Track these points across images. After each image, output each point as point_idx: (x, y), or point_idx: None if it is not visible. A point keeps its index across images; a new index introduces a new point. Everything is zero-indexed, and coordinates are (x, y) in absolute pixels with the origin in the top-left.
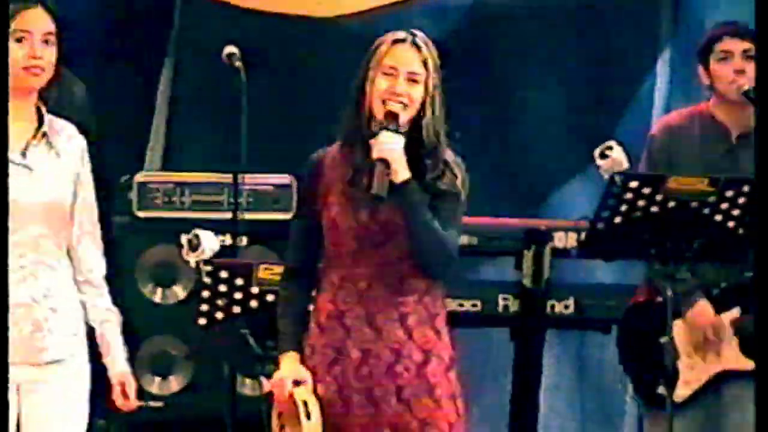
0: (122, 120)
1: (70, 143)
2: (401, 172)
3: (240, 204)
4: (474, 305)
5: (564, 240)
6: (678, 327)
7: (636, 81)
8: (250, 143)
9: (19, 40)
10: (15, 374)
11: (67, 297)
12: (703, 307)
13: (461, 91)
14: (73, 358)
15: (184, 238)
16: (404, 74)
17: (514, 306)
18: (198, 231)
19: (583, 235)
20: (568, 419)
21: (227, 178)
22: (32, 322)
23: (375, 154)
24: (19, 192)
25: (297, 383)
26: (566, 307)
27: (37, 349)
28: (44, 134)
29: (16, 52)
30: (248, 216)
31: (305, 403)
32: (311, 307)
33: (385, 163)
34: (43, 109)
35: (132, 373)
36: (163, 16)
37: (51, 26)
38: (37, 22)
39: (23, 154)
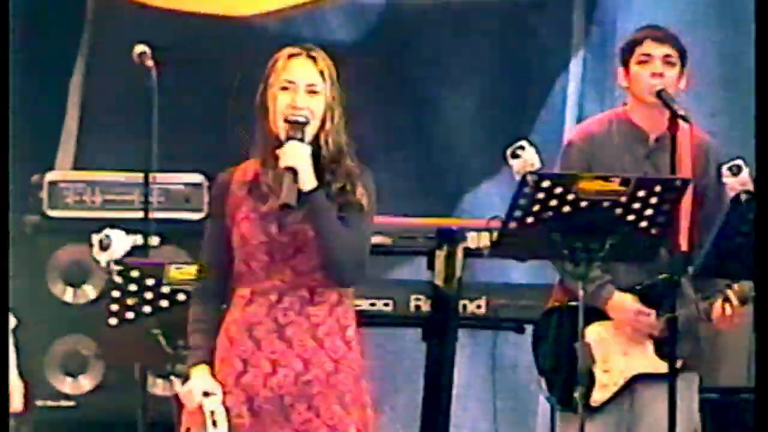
0: (34, 119)
1: None
2: (309, 181)
3: (151, 203)
4: (386, 305)
5: (476, 240)
6: (593, 330)
7: (550, 81)
8: (162, 142)
9: None
10: None
11: None
12: (621, 297)
13: (376, 92)
14: None
15: (95, 238)
16: (303, 87)
17: (426, 306)
18: (109, 230)
19: (495, 235)
20: (481, 419)
21: (138, 177)
22: None
23: (282, 163)
24: None
25: (206, 394)
26: (478, 306)
27: None
28: None
29: None
30: (159, 215)
31: (212, 413)
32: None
33: (293, 171)
34: None
35: (43, 372)
36: (75, 14)
37: None
38: None
39: None
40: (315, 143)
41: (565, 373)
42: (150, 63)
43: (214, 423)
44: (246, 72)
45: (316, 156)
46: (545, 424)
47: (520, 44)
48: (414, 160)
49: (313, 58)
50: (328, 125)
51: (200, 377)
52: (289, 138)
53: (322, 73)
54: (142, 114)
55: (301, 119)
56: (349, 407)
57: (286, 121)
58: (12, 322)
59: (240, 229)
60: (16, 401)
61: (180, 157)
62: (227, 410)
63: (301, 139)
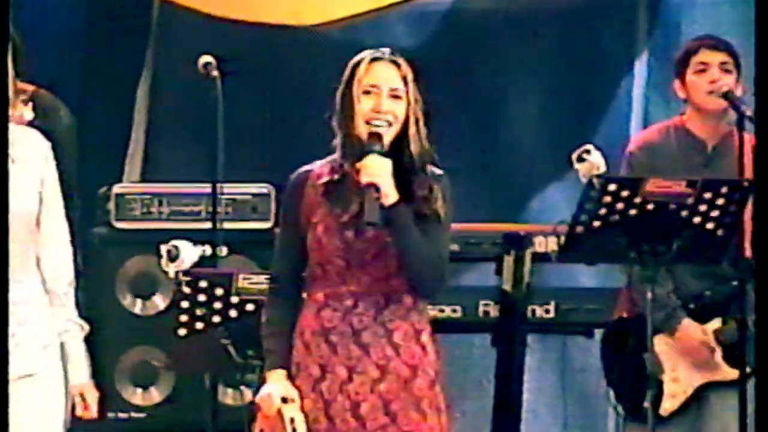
0: (101, 131)
1: (29, 148)
2: (391, 195)
3: (219, 214)
4: (454, 311)
5: (544, 244)
6: (660, 340)
7: (613, 84)
8: (228, 153)
9: None
10: None
11: (35, 309)
12: (689, 326)
13: (440, 98)
14: (45, 371)
15: (163, 249)
16: (386, 91)
17: (494, 311)
18: (177, 241)
19: (562, 239)
20: (551, 424)
21: (206, 188)
22: None
23: (364, 179)
24: None
25: (284, 400)
26: (547, 311)
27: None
28: None
29: None
30: (227, 226)
31: (292, 420)
32: (297, 325)
33: (375, 187)
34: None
35: (113, 384)
36: (141, 26)
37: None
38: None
39: None
40: (397, 149)
41: (634, 383)
42: (215, 73)
43: (294, 431)
44: (309, 80)
45: (397, 163)
46: (615, 428)
47: (584, 47)
48: (479, 166)
49: (396, 63)
50: (411, 131)
51: (278, 382)
52: (368, 150)
53: (405, 78)
54: (208, 125)
55: (381, 128)
56: (425, 413)
57: (369, 124)
58: (85, 328)
59: (316, 233)
60: (93, 409)
61: (246, 167)
62: (304, 416)
63: (380, 151)
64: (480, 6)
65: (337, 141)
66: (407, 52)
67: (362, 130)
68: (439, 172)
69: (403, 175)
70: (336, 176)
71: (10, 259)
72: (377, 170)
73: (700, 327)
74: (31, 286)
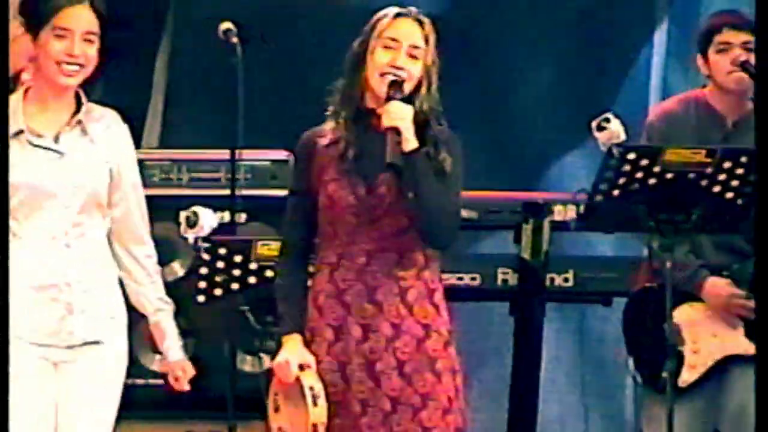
0: (119, 98)
1: (108, 130)
2: (411, 141)
3: (238, 180)
4: (473, 279)
5: (563, 213)
6: (682, 311)
7: (633, 52)
8: (247, 119)
9: (59, 36)
10: (50, 355)
11: (101, 280)
12: (715, 282)
13: (457, 66)
14: (111, 340)
15: (182, 216)
16: (406, 48)
17: (513, 280)
18: (196, 208)
19: (581, 208)
20: (568, 392)
21: (225, 154)
22: (64, 305)
23: (386, 123)
24: (50, 177)
25: (302, 367)
26: (566, 280)
27: (68, 331)
28: (79, 121)
29: (54, 47)
30: (246, 192)
31: (312, 388)
32: (310, 290)
33: (396, 131)
34: (83, 97)
35: (131, 350)
36: None
37: (94, 25)
38: (80, 20)
39: (56, 140)
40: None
41: (654, 353)
42: (235, 40)
43: (315, 400)
44: (326, 46)
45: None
46: (633, 396)
47: (603, 15)
48: (497, 134)
49: (420, 22)
50: (423, 90)
51: (294, 348)
52: (389, 97)
53: (426, 38)
54: (228, 91)
55: (402, 78)
56: (440, 374)
57: (386, 79)
58: (172, 306)
59: (327, 191)
60: (185, 384)
61: (265, 133)
62: (322, 381)
63: (401, 99)
64: None
65: (338, 97)
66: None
67: (376, 82)
68: (445, 129)
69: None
70: (343, 132)
71: (73, 229)
72: (400, 115)
73: (726, 281)
74: (97, 258)
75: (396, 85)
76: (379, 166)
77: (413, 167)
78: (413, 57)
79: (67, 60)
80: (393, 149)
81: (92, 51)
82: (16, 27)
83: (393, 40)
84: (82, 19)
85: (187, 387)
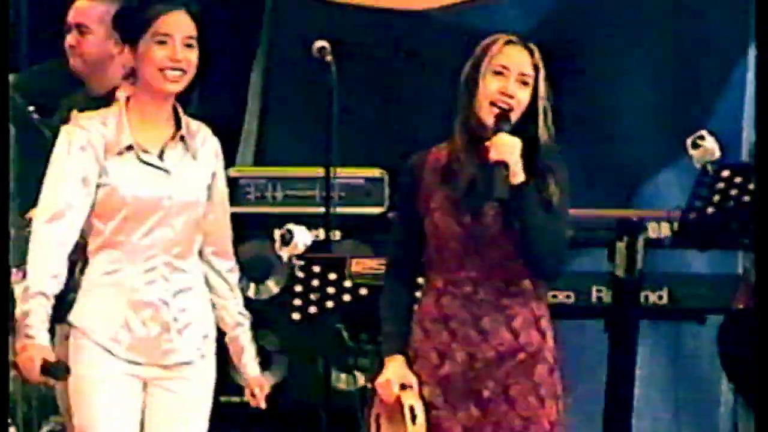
0: (214, 116)
1: (204, 145)
2: (519, 175)
3: (332, 198)
4: (567, 297)
5: (657, 230)
6: None
7: (728, 69)
8: (342, 137)
9: (160, 43)
10: (141, 372)
11: (197, 299)
12: None
13: (551, 83)
14: (202, 359)
15: (277, 233)
16: (515, 75)
17: (607, 297)
18: (291, 226)
19: (676, 225)
20: (662, 409)
21: (319, 172)
22: (160, 324)
23: (494, 156)
24: (156, 193)
25: (403, 387)
26: (660, 297)
27: (164, 350)
28: (182, 137)
29: (156, 53)
30: (340, 210)
31: (411, 408)
32: (415, 309)
33: (504, 165)
34: (180, 111)
35: (226, 368)
36: (255, 10)
37: (193, 30)
38: (179, 25)
39: (160, 157)
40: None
41: (752, 373)
42: (329, 58)
43: (413, 418)
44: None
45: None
46: (728, 414)
47: (697, 31)
48: (591, 151)
49: (530, 50)
50: (540, 120)
51: (397, 368)
52: (497, 129)
53: (536, 66)
54: (322, 109)
55: (509, 107)
56: (544, 399)
57: (494, 110)
58: (250, 321)
59: (433, 218)
60: (262, 401)
61: (360, 151)
62: (423, 402)
63: (509, 130)
64: None
65: (456, 122)
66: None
67: (486, 111)
68: (556, 156)
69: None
70: (452, 158)
71: (173, 247)
72: (508, 148)
73: None
74: (194, 277)
75: (503, 116)
76: (485, 195)
77: (520, 200)
78: (523, 84)
79: (171, 65)
80: (500, 183)
81: (193, 56)
82: (108, 45)
83: (503, 67)
84: (181, 24)
85: (263, 404)
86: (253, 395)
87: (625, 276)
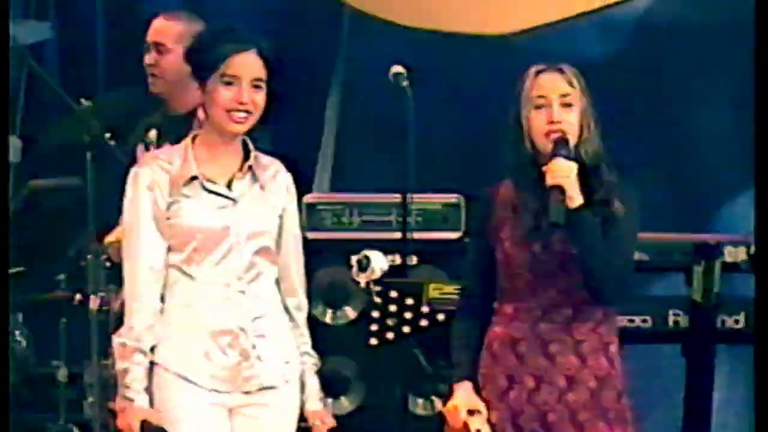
0: (291, 141)
1: (275, 179)
2: (576, 198)
3: (409, 223)
4: (644, 321)
5: (734, 254)
6: None
7: None
8: (418, 162)
9: (228, 84)
10: (226, 400)
11: (275, 324)
12: None
13: (630, 106)
14: (286, 385)
15: (353, 259)
16: (557, 100)
17: (684, 321)
18: (367, 251)
19: (752, 249)
20: None
21: (396, 197)
22: (239, 351)
23: (549, 181)
24: (225, 222)
25: (471, 412)
26: (737, 321)
27: (245, 377)
28: (250, 167)
29: (222, 95)
30: (417, 235)
31: None
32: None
33: (560, 189)
34: (250, 144)
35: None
36: (331, 35)
37: (262, 72)
38: (248, 68)
39: (228, 186)
40: (574, 156)
41: None
42: (406, 83)
43: None
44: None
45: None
46: None
47: None
48: (668, 175)
49: (560, 71)
50: (585, 134)
51: (465, 394)
52: (554, 154)
53: (571, 83)
54: (398, 134)
55: (562, 132)
56: (612, 424)
57: (551, 138)
58: (318, 364)
59: (504, 248)
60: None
61: (437, 176)
62: (491, 427)
63: (566, 155)
64: (672, 11)
65: (512, 157)
66: (597, 62)
67: (542, 143)
68: (614, 177)
69: (581, 180)
70: (520, 190)
71: (247, 274)
72: (563, 172)
73: None
74: (272, 303)
75: (561, 141)
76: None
77: (578, 224)
78: (566, 105)
79: (237, 107)
80: (556, 208)
81: (260, 98)
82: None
83: (542, 97)
84: (250, 66)
85: None
86: (314, 429)
87: (702, 300)
